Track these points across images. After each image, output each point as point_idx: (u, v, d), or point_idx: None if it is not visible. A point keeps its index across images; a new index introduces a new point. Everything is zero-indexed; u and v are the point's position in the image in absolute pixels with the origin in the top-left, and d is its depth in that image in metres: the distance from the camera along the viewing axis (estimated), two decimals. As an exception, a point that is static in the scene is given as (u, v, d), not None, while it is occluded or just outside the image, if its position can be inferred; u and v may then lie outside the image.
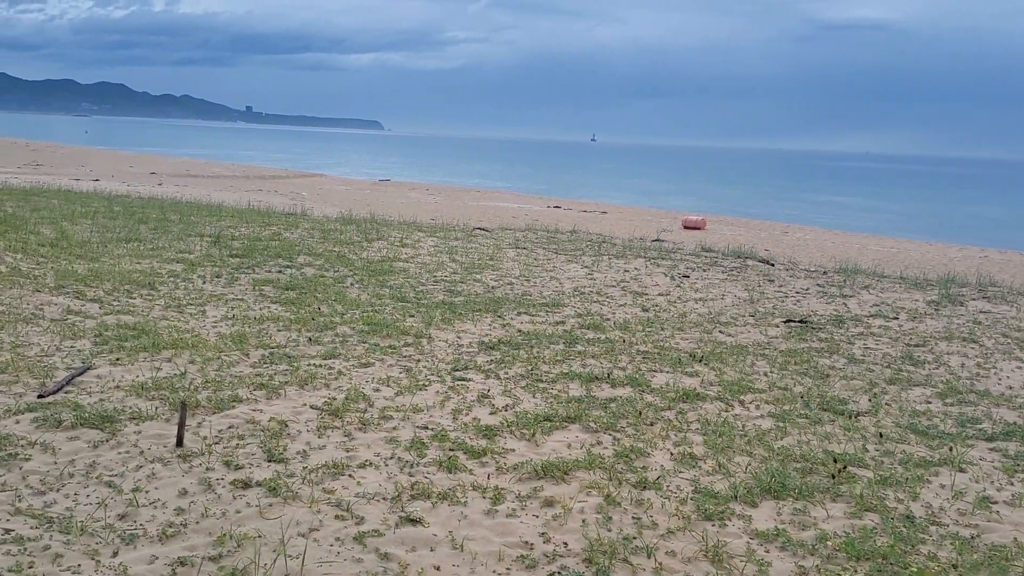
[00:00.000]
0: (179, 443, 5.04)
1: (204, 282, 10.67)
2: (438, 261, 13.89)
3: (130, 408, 5.64)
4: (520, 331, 9.04)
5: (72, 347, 7.15)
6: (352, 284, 11.27)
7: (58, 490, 4.43)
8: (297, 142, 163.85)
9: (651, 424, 5.91)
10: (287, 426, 5.50)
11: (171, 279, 10.60)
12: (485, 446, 5.29)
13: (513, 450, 5.28)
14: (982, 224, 44.55)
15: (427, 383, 6.70)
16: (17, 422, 5.30)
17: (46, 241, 12.27)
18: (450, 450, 5.24)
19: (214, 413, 5.64)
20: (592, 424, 5.81)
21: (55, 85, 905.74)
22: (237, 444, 5.14)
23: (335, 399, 6.07)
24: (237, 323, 8.54)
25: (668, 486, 4.84)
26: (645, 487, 4.79)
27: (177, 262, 11.84)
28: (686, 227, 30.92)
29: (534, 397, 6.49)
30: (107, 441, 5.07)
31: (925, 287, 14.18)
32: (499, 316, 9.75)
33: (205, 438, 5.22)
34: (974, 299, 12.84)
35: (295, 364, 7.11)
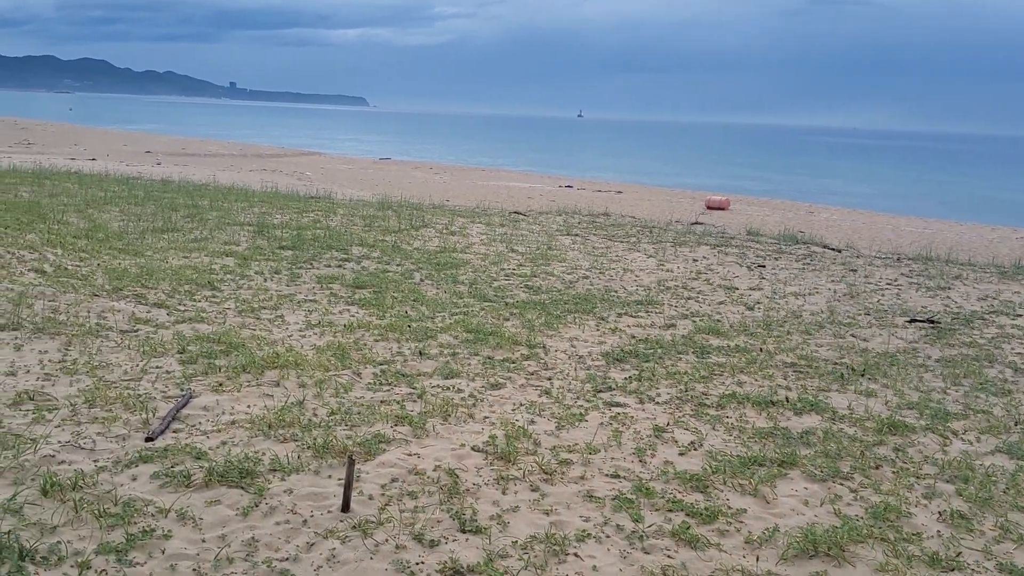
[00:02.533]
0: (345, 507, 4.06)
1: (265, 280, 9.66)
2: (496, 251, 12.91)
3: (265, 455, 4.65)
4: (634, 337, 8.10)
5: (158, 367, 6.14)
6: (422, 280, 10.29)
7: (219, 583, 3.47)
8: (285, 119, 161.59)
9: (876, 467, 4.98)
10: (458, 478, 4.53)
11: (228, 276, 9.58)
12: (709, 506, 4.34)
13: (745, 510, 4.33)
14: (995, 203, 43.77)
15: (580, 412, 5.74)
16: (134, 478, 4.31)
17: (79, 232, 11.19)
18: (669, 511, 4.29)
19: (366, 460, 4.66)
20: (814, 470, 4.86)
21: (36, 61, 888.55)
22: (415, 507, 4.16)
23: (495, 438, 5.09)
24: (325, 331, 7.55)
25: (970, 564, 3.91)
26: (944, 567, 3.86)
27: (226, 255, 10.81)
28: (709, 207, 30.00)
29: (715, 430, 5.55)
30: (256, 506, 4.09)
31: (1015, 276, 13.31)
32: (602, 319, 8.80)
33: (371, 497, 4.24)
34: (1083, 291, 11.97)
35: (416, 386, 6.15)
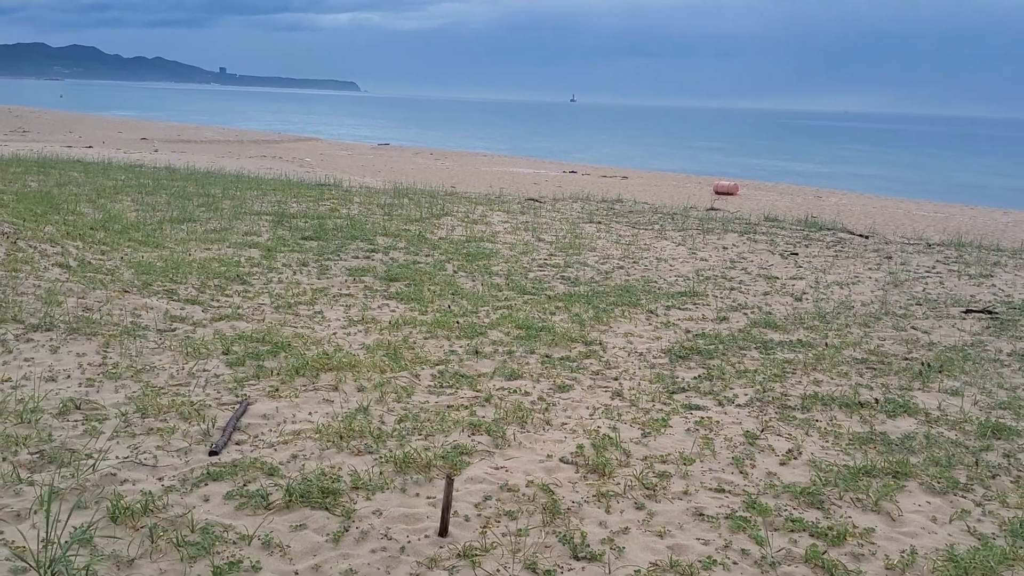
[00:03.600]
0: (443, 531, 3.71)
1: (295, 272, 9.28)
2: (524, 240, 12.54)
3: (343, 470, 4.29)
4: (688, 332, 7.75)
5: (205, 371, 5.77)
6: (456, 272, 9.92)
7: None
8: (276, 104, 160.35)
9: (993, 477, 4.64)
10: (555, 495, 4.17)
11: (255, 269, 9.20)
12: (833, 525, 4.00)
13: (873, 529, 3.99)
14: (996, 184, 43.46)
15: (662, 417, 5.38)
16: (206, 499, 3.94)
17: (95, 223, 10.76)
18: (791, 531, 3.94)
19: (453, 475, 4.29)
20: (932, 482, 4.52)
21: (26, 49, 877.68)
22: (518, 531, 3.81)
23: (582, 448, 4.74)
24: (369, 329, 7.19)
25: None
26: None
27: (249, 247, 10.42)
28: (718, 192, 29.65)
29: (808, 435, 5.20)
30: (346, 531, 3.73)
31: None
32: (651, 312, 8.45)
33: (468, 519, 3.88)
34: None
35: (480, 388, 5.79)
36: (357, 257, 10.37)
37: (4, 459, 4.19)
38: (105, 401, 5.07)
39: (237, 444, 4.62)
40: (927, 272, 11.76)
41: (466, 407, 5.39)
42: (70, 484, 3.94)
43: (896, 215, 25.50)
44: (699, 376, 6.36)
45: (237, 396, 5.30)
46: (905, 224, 22.35)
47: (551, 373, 6.23)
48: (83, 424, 4.72)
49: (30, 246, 8.37)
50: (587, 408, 5.53)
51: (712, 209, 20.68)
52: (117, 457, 4.31)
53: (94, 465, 4.13)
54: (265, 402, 5.25)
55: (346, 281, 9.12)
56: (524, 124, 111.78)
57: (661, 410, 5.52)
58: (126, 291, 7.50)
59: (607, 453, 4.70)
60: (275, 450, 4.54)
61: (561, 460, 4.58)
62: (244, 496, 3.96)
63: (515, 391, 5.78)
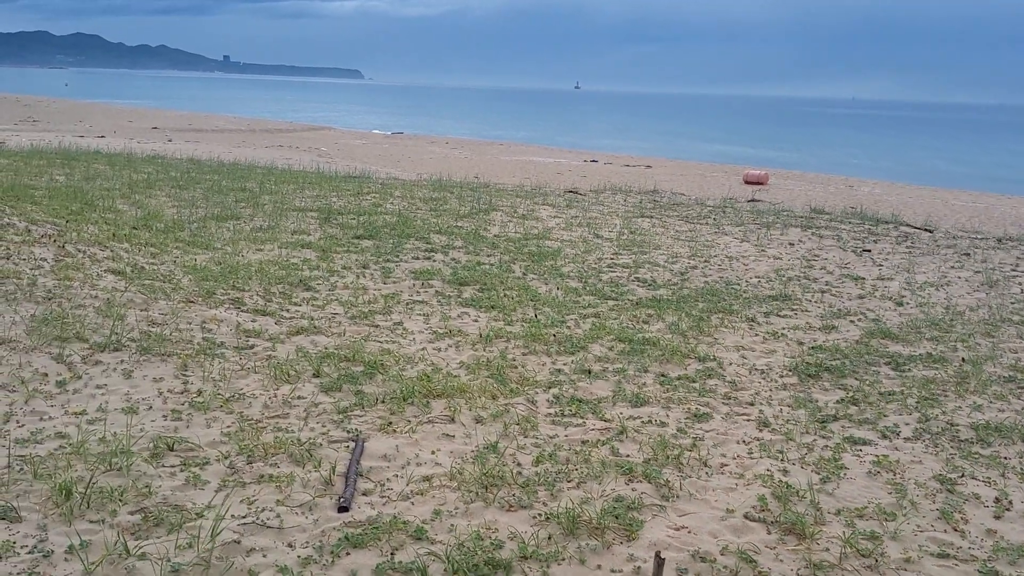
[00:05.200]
0: (653, 620, 3.04)
1: (358, 276, 8.62)
2: (581, 237, 11.87)
3: (500, 533, 3.62)
4: (801, 344, 7.09)
5: (300, 398, 5.10)
6: (524, 274, 9.26)
7: None
8: (282, 92, 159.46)
9: None
10: (757, 564, 3.50)
11: (315, 272, 8.54)
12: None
13: None
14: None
15: (830, 456, 4.71)
16: (353, 574, 3.27)
17: (135, 222, 10.09)
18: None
19: (630, 539, 3.63)
20: None
21: (29, 37, 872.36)
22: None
23: (764, 500, 4.07)
24: (459, 343, 6.54)
25: None
26: None
27: (302, 247, 9.75)
28: (747, 182, 28.94)
29: (1005, 477, 4.52)
30: (534, 619, 3.06)
31: None
32: (751, 320, 7.77)
33: (671, 601, 3.22)
34: None
35: (604, 415, 5.15)
36: (417, 258, 9.70)
37: (102, 521, 3.53)
38: (200, 439, 4.41)
39: (364, 494, 3.96)
40: (1013, 270, 11.08)
41: (603, 442, 4.72)
42: (190, 558, 3.28)
43: (935, 205, 24.75)
44: (842, 400, 5.69)
45: (347, 431, 4.64)
46: (948, 215, 21.63)
47: (677, 397, 5.57)
48: (182, 470, 4.06)
49: (78, 250, 7.70)
50: (737, 442, 4.86)
51: (753, 200, 19.99)
52: (234, 516, 3.65)
53: (213, 530, 3.46)
54: (380, 439, 4.58)
55: (414, 285, 8.46)
56: (532, 112, 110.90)
57: (825, 446, 4.84)
58: (191, 301, 6.83)
59: (794, 505, 4.02)
60: (412, 503, 3.87)
61: (746, 517, 3.91)
62: (398, 571, 3.30)
63: (648, 421, 5.11)
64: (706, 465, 4.49)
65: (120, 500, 3.72)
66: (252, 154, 27.32)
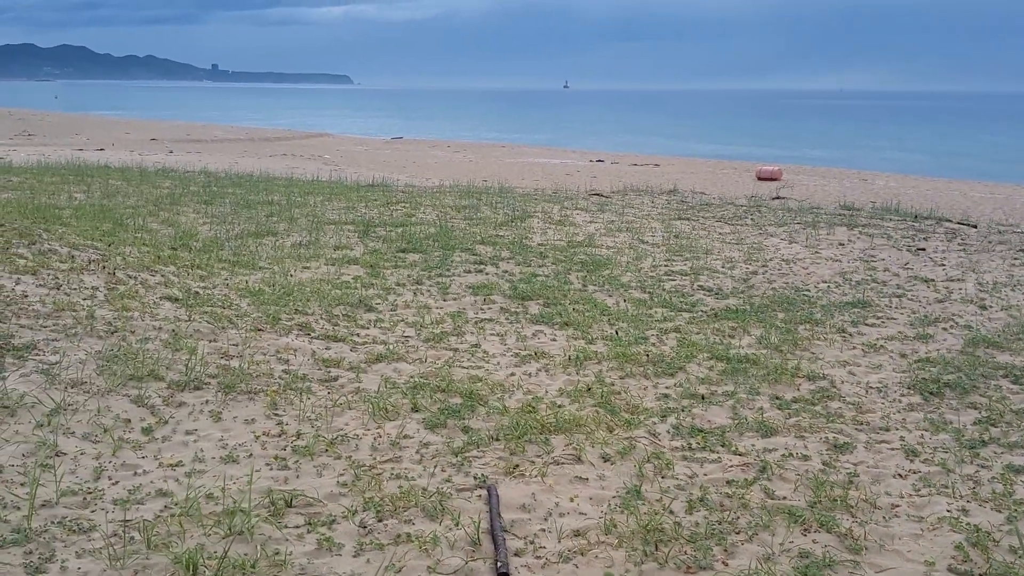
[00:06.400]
0: None
1: (415, 294, 8.21)
2: (626, 243, 11.47)
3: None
4: (904, 356, 6.69)
5: (406, 437, 4.68)
6: (584, 285, 8.87)
7: None
8: (272, 99, 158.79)
9: None
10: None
11: (370, 291, 8.12)
12: None
13: None
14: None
15: (1001, 486, 4.31)
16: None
17: (172, 241, 9.65)
18: None
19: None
20: None
21: (14, 50, 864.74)
22: None
23: (964, 552, 3.65)
24: (548, 366, 6.13)
25: None
26: None
27: (348, 263, 9.34)
28: (760, 178, 28.64)
29: None
30: None
31: None
32: (843, 332, 7.36)
33: None
34: None
35: (737, 449, 4.73)
36: (469, 271, 9.29)
37: (242, 603, 3.11)
38: (317, 491, 3.98)
39: (516, 554, 3.54)
40: (1079, 267, 10.70)
41: (749, 482, 4.31)
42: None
43: (954, 197, 24.43)
44: (978, 421, 5.29)
45: (474, 478, 4.21)
46: (972, 207, 21.28)
47: (806, 424, 5.16)
48: (309, 531, 3.64)
49: (128, 276, 7.25)
50: (894, 476, 4.45)
51: (778, 198, 19.63)
52: (386, 590, 3.22)
53: (371, 611, 3.04)
54: (510, 485, 4.16)
55: (475, 302, 8.05)
56: (524, 113, 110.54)
57: (991, 477, 4.44)
58: (259, 329, 6.39)
59: (994, 552, 3.62)
60: (575, 566, 3.46)
61: (951, 571, 3.50)
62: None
63: (788, 454, 4.70)
64: (875, 507, 4.08)
65: (253, 572, 3.29)
66: (258, 164, 26.83)
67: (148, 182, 15.74)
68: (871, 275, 9.88)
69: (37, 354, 5.25)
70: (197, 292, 7.31)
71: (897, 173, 33.59)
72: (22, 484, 3.86)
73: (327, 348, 6.22)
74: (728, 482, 4.30)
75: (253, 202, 13.28)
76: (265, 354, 5.90)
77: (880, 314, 8.03)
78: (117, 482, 4.03)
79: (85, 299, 6.43)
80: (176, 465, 4.22)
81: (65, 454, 4.21)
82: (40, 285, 6.44)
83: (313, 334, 6.51)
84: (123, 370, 5.17)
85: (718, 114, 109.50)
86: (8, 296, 6.04)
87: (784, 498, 4.12)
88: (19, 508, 3.63)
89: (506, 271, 9.40)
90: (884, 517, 3.97)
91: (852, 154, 44.69)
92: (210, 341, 6.00)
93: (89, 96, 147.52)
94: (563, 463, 4.43)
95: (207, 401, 4.99)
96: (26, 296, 6.15)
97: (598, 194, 18.13)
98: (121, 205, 12.29)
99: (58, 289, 6.47)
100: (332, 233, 11.07)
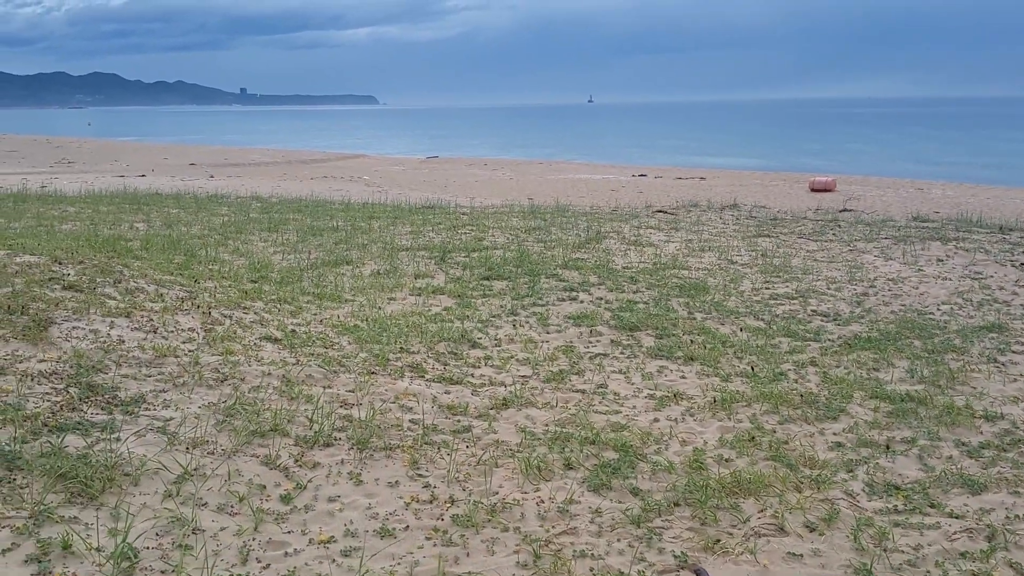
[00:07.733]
0: None
1: (514, 326, 7.67)
2: (716, 264, 10.88)
3: None
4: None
5: (570, 500, 4.13)
6: (690, 313, 8.31)
7: None
8: (301, 121, 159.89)
9: None
10: None
11: (467, 323, 7.60)
12: None
13: None
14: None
15: None
16: None
17: (250, 274, 9.20)
18: None
19: None
20: None
21: (47, 78, 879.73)
22: None
23: None
24: (693, 410, 5.55)
25: None
26: None
27: (435, 293, 8.84)
28: (814, 189, 28.04)
29: None
30: None
31: None
32: (993, 361, 6.73)
33: None
34: None
35: (944, 508, 4.14)
36: (562, 300, 8.75)
37: None
38: (499, 574, 3.44)
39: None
40: None
41: (986, 553, 3.71)
42: None
43: (1018, 206, 23.60)
44: None
45: (673, 556, 3.65)
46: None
47: (1010, 477, 4.55)
48: (506, 628, 3.09)
49: (225, 316, 6.78)
50: None
51: (845, 210, 19.00)
52: None
53: None
54: (718, 565, 3.60)
55: (581, 334, 7.52)
56: (554, 127, 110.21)
57: None
58: (372, 372, 5.88)
59: None
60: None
61: None
62: None
63: (1013, 515, 4.09)
64: None
65: None
66: (301, 187, 26.55)
67: (205, 209, 15.40)
68: (989, 295, 9.23)
69: (148, 408, 4.77)
70: (293, 331, 6.82)
71: (950, 181, 32.70)
72: (163, 572, 3.35)
73: (446, 392, 5.70)
74: (962, 554, 3.70)
75: (318, 228, 12.86)
76: (384, 400, 5.39)
77: (1022, 339, 7.39)
78: (268, 565, 3.51)
79: (184, 342, 5.96)
80: (328, 542, 3.70)
81: (203, 530, 3.70)
82: (136, 328, 5.98)
83: (425, 376, 5.99)
84: (245, 425, 4.67)
85: (749, 124, 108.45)
86: (106, 342, 5.58)
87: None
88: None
89: (600, 298, 8.85)
90: None
91: (900, 163, 43.76)
92: (324, 388, 5.50)
93: (122, 122, 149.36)
94: (765, 534, 3.86)
95: (342, 461, 4.47)
96: (123, 341, 5.69)
97: (663, 211, 17.56)
98: (186, 235, 11.90)
99: (155, 332, 6.01)
100: (407, 260, 10.59)
